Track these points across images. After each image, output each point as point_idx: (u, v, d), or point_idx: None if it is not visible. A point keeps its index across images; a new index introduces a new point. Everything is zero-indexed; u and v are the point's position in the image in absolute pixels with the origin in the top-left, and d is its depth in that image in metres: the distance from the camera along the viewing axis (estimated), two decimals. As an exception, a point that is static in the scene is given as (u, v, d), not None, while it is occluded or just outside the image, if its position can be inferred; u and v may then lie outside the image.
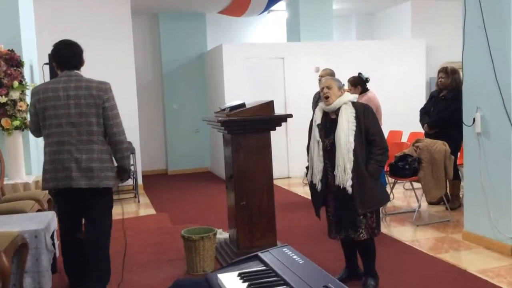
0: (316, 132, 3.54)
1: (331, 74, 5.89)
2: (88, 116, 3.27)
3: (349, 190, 3.34)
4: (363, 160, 3.39)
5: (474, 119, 4.38)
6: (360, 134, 3.38)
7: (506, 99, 4.05)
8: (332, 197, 3.51)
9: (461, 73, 5.83)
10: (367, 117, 3.43)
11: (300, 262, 1.66)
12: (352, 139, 3.34)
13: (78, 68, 3.45)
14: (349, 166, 3.33)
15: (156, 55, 9.64)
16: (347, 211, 3.43)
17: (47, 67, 5.89)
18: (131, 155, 7.30)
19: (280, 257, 1.74)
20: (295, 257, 1.71)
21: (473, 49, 4.35)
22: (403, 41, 9.28)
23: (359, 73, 5.77)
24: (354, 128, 3.37)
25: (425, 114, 5.92)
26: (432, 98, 5.95)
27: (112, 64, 5.99)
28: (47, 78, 5.80)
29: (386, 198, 3.65)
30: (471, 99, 4.47)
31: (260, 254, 1.79)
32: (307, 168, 3.74)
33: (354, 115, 3.40)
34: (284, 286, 1.53)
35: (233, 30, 10.02)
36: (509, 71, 4.02)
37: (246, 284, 1.58)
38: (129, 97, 7.39)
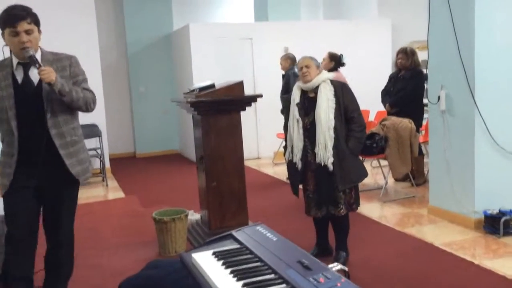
0: (295, 111, 3.56)
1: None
2: None
3: (331, 167, 3.40)
4: (343, 137, 3.46)
5: (439, 97, 4.48)
6: (340, 111, 3.44)
7: (470, 77, 4.14)
8: (312, 175, 3.56)
9: (419, 54, 6.00)
10: (345, 95, 3.49)
11: (274, 239, 1.67)
12: (332, 116, 3.39)
13: None
14: (330, 143, 3.39)
15: (121, 36, 9.39)
16: (327, 188, 3.50)
17: None
18: (98, 138, 7.23)
19: (253, 235, 1.74)
20: (268, 234, 1.72)
21: (438, 27, 4.42)
22: (369, 21, 9.33)
23: (341, 54, 5.85)
24: (334, 105, 3.42)
25: (386, 94, 6.09)
26: (392, 79, 6.13)
27: (74, 42, 5.78)
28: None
29: (364, 174, 3.68)
30: (436, 77, 4.55)
31: (233, 233, 1.80)
32: (284, 147, 3.75)
33: (333, 93, 3.45)
34: (259, 263, 1.54)
35: (200, 9, 9.85)
36: (473, 49, 4.10)
37: (221, 262, 1.58)
38: (93, 78, 7.13)
